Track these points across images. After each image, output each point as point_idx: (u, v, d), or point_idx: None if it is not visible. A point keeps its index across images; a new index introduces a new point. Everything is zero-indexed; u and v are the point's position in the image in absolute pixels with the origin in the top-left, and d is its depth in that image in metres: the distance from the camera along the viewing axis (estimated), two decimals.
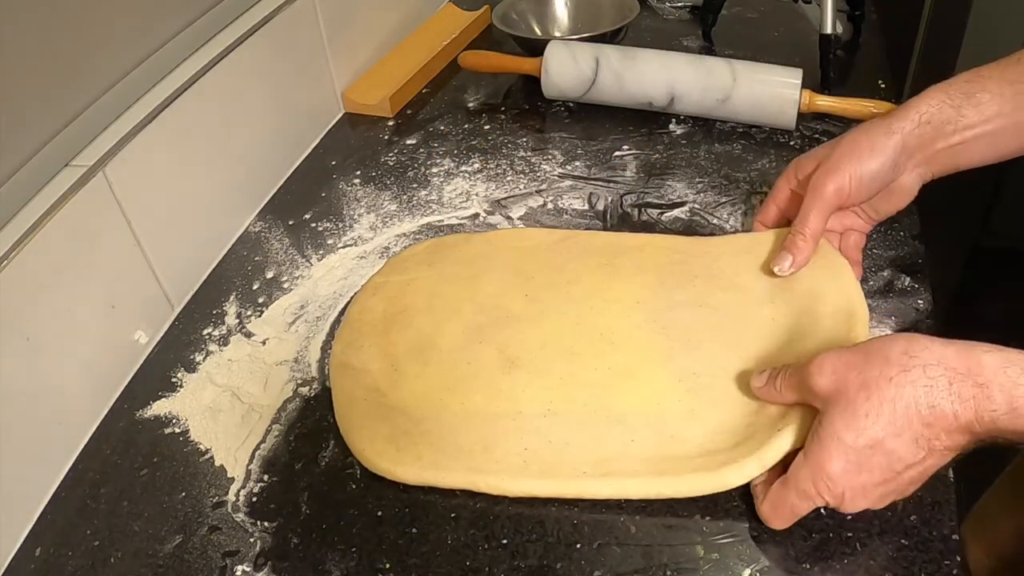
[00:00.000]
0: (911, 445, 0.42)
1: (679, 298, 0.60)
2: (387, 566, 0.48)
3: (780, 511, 0.46)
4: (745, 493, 0.49)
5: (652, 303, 0.60)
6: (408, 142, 0.86)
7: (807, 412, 0.47)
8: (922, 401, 0.42)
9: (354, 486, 0.53)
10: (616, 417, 0.53)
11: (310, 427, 0.57)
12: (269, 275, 0.71)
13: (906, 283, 0.63)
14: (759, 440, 0.48)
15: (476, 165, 0.81)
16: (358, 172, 0.82)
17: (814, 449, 0.44)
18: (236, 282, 0.70)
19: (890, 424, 0.42)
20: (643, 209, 0.73)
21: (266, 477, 0.54)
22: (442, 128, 0.88)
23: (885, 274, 0.63)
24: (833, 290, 0.57)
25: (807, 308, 0.56)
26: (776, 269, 0.58)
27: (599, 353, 0.57)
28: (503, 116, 0.89)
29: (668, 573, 0.46)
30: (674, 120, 0.85)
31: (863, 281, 0.63)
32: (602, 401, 0.54)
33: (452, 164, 0.82)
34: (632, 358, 0.56)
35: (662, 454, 0.50)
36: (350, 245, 0.73)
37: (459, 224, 0.74)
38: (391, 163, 0.83)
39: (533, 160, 0.81)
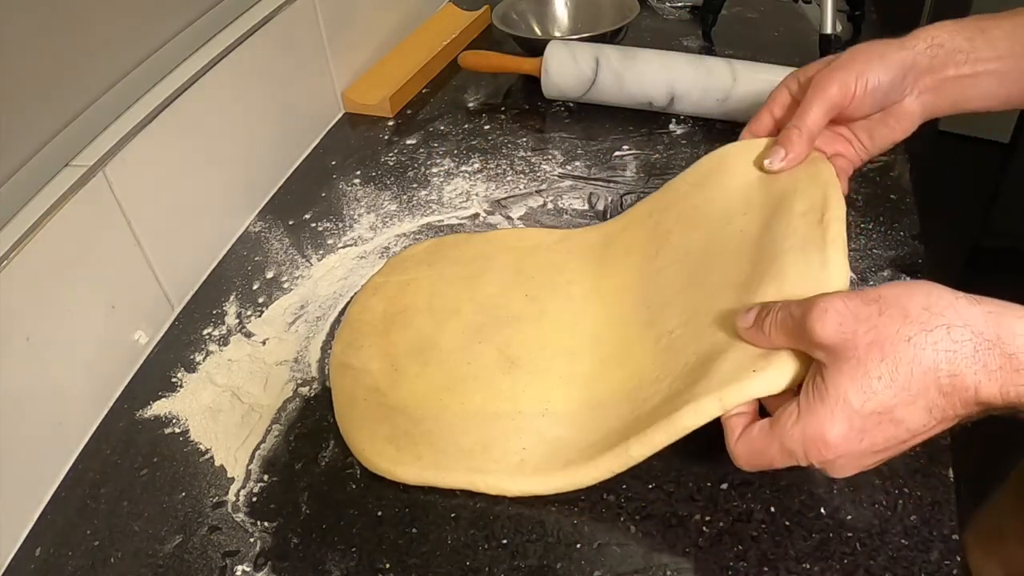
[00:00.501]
0: (923, 414, 0.38)
1: (662, 262, 0.58)
2: (387, 566, 0.48)
3: (755, 460, 0.43)
4: (744, 492, 0.49)
5: (642, 283, 0.58)
6: (408, 142, 0.86)
7: (793, 357, 0.43)
8: (943, 368, 0.37)
9: (354, 486, 0.53)
10: (598, 402, 0.52)
11: (310, 427, 0.57)
12: (269, 275, 0.71)
13: None
14: (722, 377, 0.44)
15: (476, 165, 0.81)
16: (358, 172, 0.82)
17: (813, 407, 0.40)
18: (236, 282, 0.70)
19: (904, 390, 0.38)
20: None
21: (266, 477, 0.54)
22: (442, 128, 0.88)
23: (885, 274, 0.63)
24: (807, 187, 0.52)
25: (780, 210, 0.52)
26: (766, 163, 0.55)
27: (598, 353, 0.57)
28: (503, 116, 0.89)
29: (668, 573, 0.46)
30: (674, 120, 0.85)
31: (863, 281, 0.63)
32: (598, 397, 0.54)
33: (452, 164, 0.82)
34: (632, 356, 0.56)
35: (635, 417, 0.48)
36: (350, 245, 0.73)
37: (459, 224, 0.74)
38: (391, 163, 0.83)
39: (533, 160, 0.81)
